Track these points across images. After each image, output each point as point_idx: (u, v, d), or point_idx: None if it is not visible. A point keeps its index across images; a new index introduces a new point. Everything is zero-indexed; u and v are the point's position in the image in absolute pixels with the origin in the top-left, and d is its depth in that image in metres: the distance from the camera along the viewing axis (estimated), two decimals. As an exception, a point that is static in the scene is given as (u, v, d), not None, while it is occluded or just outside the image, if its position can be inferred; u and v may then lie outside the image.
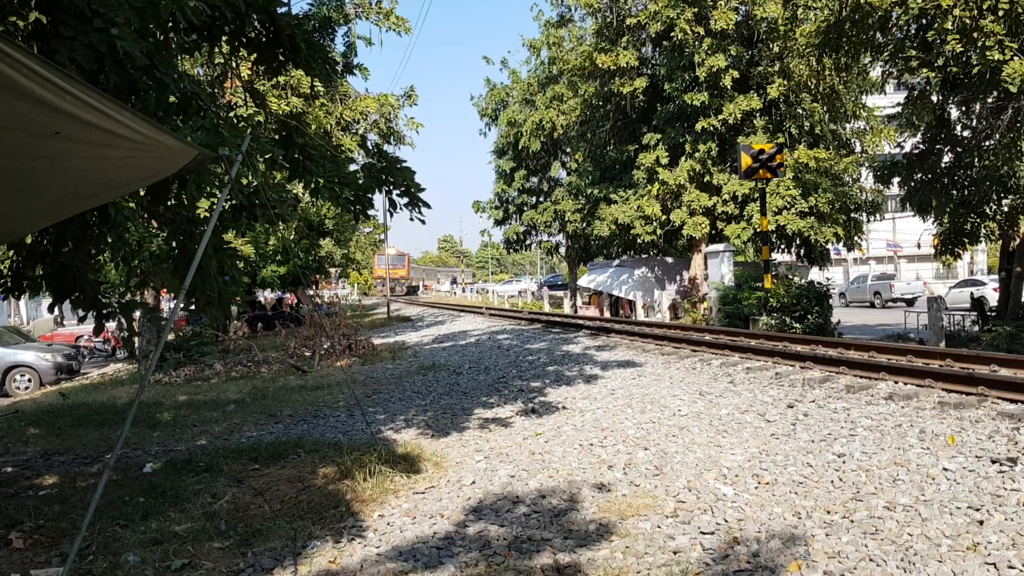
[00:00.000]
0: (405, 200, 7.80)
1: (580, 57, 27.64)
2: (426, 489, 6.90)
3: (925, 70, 14.68)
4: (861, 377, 10.30)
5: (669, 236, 27.80)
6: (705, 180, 25.85)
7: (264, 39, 6.95)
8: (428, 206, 7.92)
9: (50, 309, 7.54)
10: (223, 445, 9.18)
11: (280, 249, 28.31)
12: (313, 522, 5.98)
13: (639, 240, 27.56)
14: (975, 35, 12.35)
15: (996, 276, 24.70)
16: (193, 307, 7.70)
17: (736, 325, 19.93)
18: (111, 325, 7.49)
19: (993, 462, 6.14)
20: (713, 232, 26.84)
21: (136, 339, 7.71)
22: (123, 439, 5.52)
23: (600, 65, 26.27)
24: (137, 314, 7.21)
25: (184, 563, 5.22)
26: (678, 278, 30.63)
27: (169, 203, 7.31)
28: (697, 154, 25.45)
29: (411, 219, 8.25)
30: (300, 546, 5.49)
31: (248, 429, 10.48)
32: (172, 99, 5.91)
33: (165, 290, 18.81)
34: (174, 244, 7.72)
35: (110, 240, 7.67)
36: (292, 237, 29.36)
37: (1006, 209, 17.67)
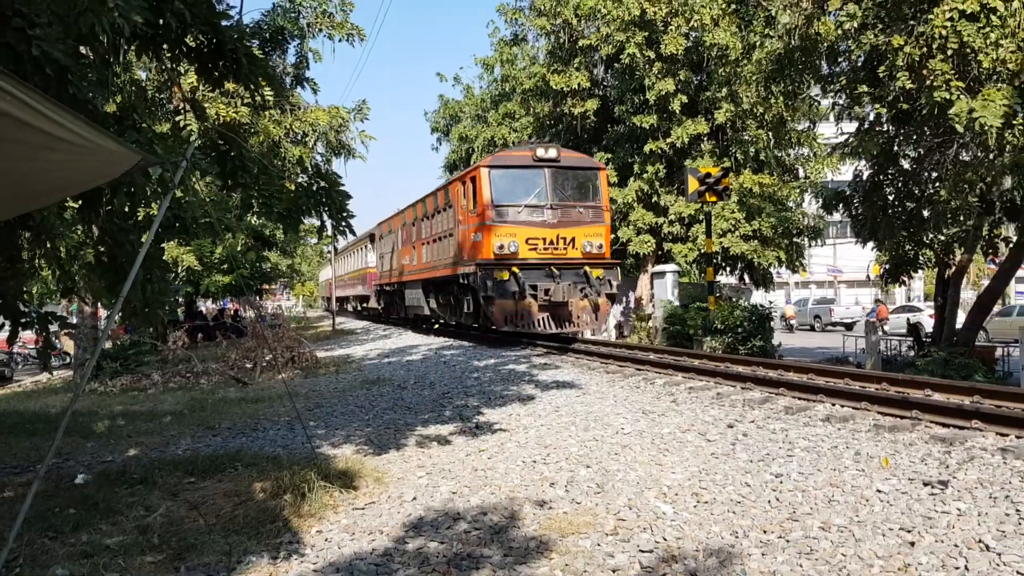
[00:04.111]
0: (333, 221, 7.92)
1: (534, 78, 27.89)
2: (366, 505, 6.83)
3: (877, 105, 15.02)
4: (800, 399, 10.48)
5: (617, 256, 28.06)
6: (653, 200, 26.21)
7: (206, 50, 6.86)
8: (353, 232, 8.13)
9: None
10: (158, 457, 8.98)
11: (225, 259, 27.90)
12: (249, 537, 5.87)
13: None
14: (924, 73, 12.68)
15: (932, 303, 25.42)
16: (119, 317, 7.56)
17: (682, 345, 20.14)
18: (27, 334, 7.28)
19: (925, 485, 6.28)
20: (660, 252, 27.18)
21: (51, 352, 7.48)
22: (54, 449, 5.38)
23: (553, 86, 26.52)
24: (54, 327, 7.00)
25: (114, 578, 5.09)
26: (624, 299, 30.87)
27: (108, 208, 7.16)
28: (645, 175, 25.82)
29: (335, 236, 8.36)
30: (235, 561, 5.39)
31: (185, 441, 10.27)
32: (111, 107, 5.81)
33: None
34: (102, 249, 7.55)
35: (30, 246, 7.46)
36: (239, 248, 28.95)
37: (942, 238, 18.19)
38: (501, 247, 19.09)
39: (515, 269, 18.95)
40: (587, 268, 19.52)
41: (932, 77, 12.36)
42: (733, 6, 18.79)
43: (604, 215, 20.59)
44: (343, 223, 7.88)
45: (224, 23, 6.84)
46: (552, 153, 20.09)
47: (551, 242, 19.59)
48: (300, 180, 8.27)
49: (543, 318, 19.25)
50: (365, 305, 42.51)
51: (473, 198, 20.30)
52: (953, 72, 12.37)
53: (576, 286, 19.23)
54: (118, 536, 5.91)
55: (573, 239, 19.75)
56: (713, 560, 5.13)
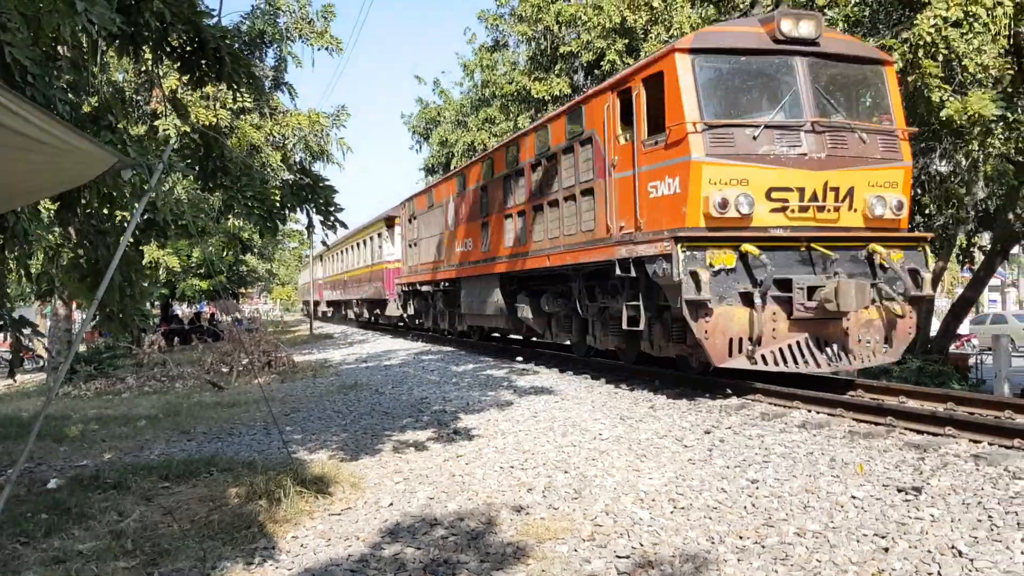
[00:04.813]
0: (321, 217, 7.88)
1: (515, 86, 27.96)
2: (342, 510, 6.80)
3: None
4: (776, 405, 10.53)
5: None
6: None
7: (188, 48, 6.84)
8: (344, 225, 8.11)
9: None
10: (132, 462, 8.90)
11: (203, 262, 27.72)
12: (224, 543, 5.83)
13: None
14: (911, 79, 12.82)
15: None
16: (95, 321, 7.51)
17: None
18: None
19: (899, 491, 6.33)
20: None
21: (23, 354, 7.42)
22: (27, 453, 5.32)
23: (535, 95, 26.61)
24: (28, 331, 6.96)
25: (85, 584, 5.04)
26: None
27: (88, 211, 7.11)
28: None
29: (324, 233, 8.28)
30: (209, 567, 5.34)
31: (159, 446, 10.18)
32: (87, 107, 5.77)
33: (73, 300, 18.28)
34: (80, 252, 7.49)
35: (4, 249, 7.39)
36: (223, 252, 28.80)
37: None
38: (722, 204, 9.90)
39: (747, 248, 10.04)
40: (876, 247, 10.45)
41: (924, 78, 12.50)
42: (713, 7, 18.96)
43: (900, 146, 10.91)
44: (331, 217, 7.84)
45: (206, 22, 6.81)
46: (807, 28, 10.35)
47: (813, 196, 10.24)
48: (286, 178, 8.25)
49: (798, 343, 10.41)
50: (380, 312, 32.05)
51: (654, 115, 10.87)
52: (941, 76, 12.55)
53: (858, 281, 10.12)
54: (91, 541, 5.85)
55: (851, 191, 10.37)
56: (689, 566, 5.14)
